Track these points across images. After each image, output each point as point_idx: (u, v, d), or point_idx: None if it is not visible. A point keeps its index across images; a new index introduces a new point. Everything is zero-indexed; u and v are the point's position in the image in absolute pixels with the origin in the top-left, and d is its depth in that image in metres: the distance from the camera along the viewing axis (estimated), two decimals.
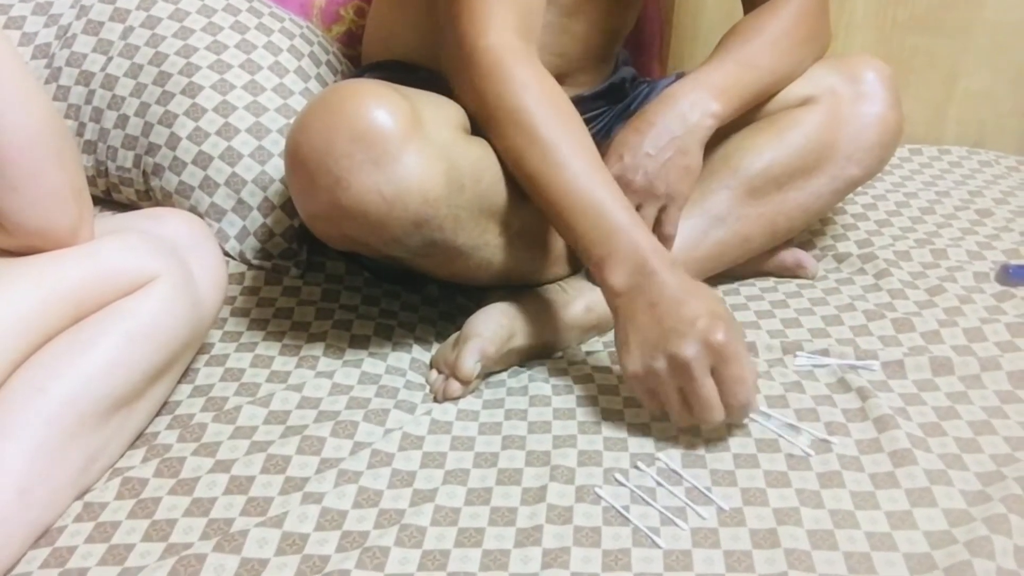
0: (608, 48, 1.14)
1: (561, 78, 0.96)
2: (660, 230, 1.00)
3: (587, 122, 0.94)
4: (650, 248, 0.84)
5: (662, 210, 0.99)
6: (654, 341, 0.82)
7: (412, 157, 0.82)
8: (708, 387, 0.81)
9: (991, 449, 0.84)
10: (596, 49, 1.11)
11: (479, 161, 0.89)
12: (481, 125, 0.92)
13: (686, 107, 0.99)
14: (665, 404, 0.84)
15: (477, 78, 0.89)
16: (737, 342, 0.81)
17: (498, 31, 0.89)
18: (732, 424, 0.86)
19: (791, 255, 1.15)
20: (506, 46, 0.89)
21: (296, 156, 0.84)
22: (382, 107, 0.81)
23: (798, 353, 0.98)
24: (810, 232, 1.24)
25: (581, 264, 1.03)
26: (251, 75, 1.17)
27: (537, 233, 0.98)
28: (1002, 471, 0.81)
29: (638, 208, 0.98)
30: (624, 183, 0.96)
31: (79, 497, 0.78)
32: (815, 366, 0.97)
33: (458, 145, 0.88)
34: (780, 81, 1.07)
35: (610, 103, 1.17)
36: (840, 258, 1.19)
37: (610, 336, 1.03)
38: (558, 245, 1.02)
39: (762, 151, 1.06)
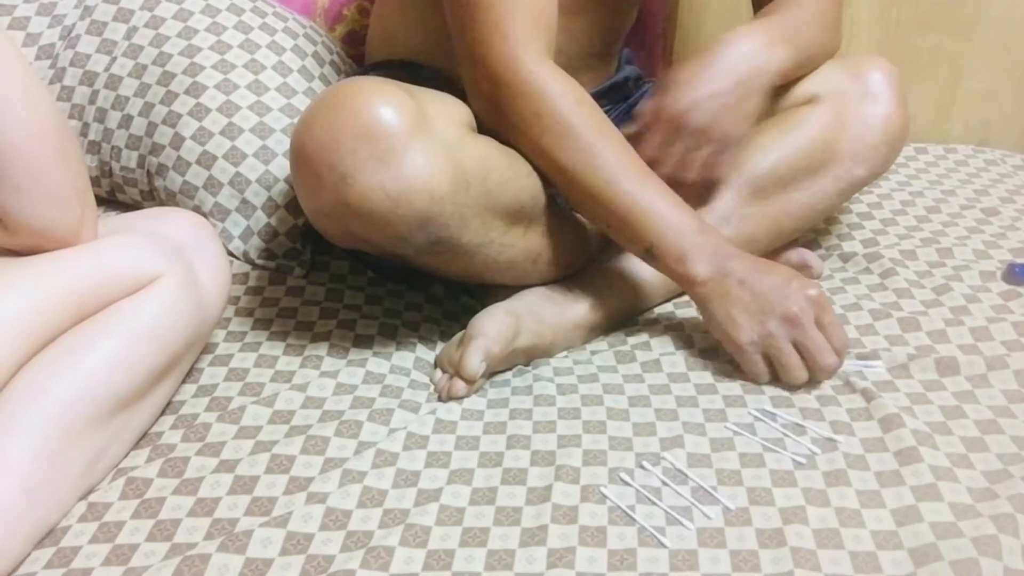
0: (609, 47, 1.14)
1: None
2: (708, 175, 0.99)
3: None
4: (716, 238, 0.94)
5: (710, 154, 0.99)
6: (759, 309, 0.90)
7: (417, 154, 0.82)
8: (818, 334, 0.90)
9: (998, 448, 0.83)
10: (597, 47, 1.11)
11: (485, 159, 0.89)
12: (523, 144, 0.94)
13: (749, 51, 0.98)
14: (783, 363, 0.90)
15: (523, 101, 0.92)
16: (823, 293, 0.91)
17: (536, 55, 0.92)
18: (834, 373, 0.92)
19: (796, 255, 1.15)
20: (546, 67, 0.93)
21: (301, 154, 0.84)
22: (387, 104, 0.81)
23: None
24: (815, 231, 1.23)
25: (581, 264, 1.03)
26: (255, 75, 1.17)
27: (543, 231, 0.98)
28: (1009, 470, 0.80)
29: (684, 150, 0.98)
30: (678, 123, 0.96)
31: (83, 497, 0.78)
32: None
33: (464, 143, 0.88)
34: (816, 58, 1.06)
35: (613, 102, 1.16)
36: (845, 257, 1.18)
37: (614, 335, 1.03)
38: (563, 243, 1.02)
39: (767, 151, 1.06)
